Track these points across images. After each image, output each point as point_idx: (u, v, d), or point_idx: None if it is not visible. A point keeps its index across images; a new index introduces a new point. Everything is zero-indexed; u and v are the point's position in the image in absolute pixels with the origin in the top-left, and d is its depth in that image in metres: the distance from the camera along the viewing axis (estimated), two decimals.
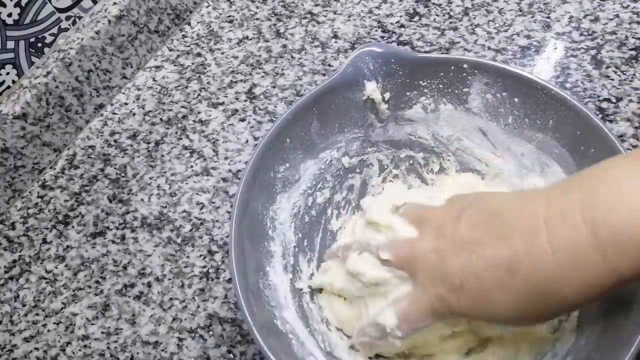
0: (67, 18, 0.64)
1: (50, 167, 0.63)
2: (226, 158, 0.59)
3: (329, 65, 0.64)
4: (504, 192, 0.39)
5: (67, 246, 0.57)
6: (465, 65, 0.46)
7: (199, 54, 0.69)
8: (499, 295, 0.33)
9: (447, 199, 0.40)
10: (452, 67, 0.47)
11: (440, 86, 0.48)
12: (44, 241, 0.58)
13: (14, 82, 0.61)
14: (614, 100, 0.54)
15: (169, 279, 0.52)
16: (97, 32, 0.63)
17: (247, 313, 0.37)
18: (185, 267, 0.53)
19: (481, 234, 0.34)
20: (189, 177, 0.59)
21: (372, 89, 0.48)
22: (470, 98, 0.47)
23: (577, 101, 0.42)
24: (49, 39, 0.63)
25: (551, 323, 0.41)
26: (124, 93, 0.68)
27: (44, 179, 0.62)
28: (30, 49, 0.61)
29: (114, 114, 0.66)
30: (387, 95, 0.49)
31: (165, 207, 0.57)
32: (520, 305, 0.32)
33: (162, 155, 0.61)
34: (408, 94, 0.49)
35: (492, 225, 0.34)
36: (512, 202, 0.35)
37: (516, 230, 0.32)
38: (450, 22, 0.64)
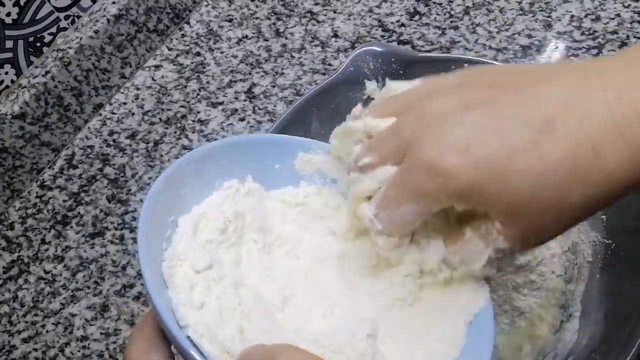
0: (66, 17, 0.64)
1: (49, 167, 0.63)
2: None
3: (329, 64, 0.63)
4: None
5: (66, 246, 0.57)
6: (466, 65, 0.46)
7: (198, 53, 0.69)
8: (523, 154, 0.23)
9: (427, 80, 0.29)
10: (453, 67, 0.46)
11: None
12: (43, 241, 0.58)
13: (12, 81, 0.61)
14: None
15: None
16: (96, 32, 0.63)
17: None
18: None
19: (502, 89, 0.25)
20: None
21: (372, 88, 0.48)
22: None
23: None
24: (47, 39, 0.62)
25: (553, 324, 0.41)
26: (122, 93, 0.68)
27: (43, 179, 0.62)
28: (29, 49, 0.61)
29: (113, 113, 0.66)
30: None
31: None
32: (545, 176, 0.23)
33: (161, 155, 0.61)
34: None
35: (521, 76, 0.25)
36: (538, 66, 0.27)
37: (556, 71, 0.25)
38: (451, 21, 0.64)
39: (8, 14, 0.58)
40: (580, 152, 0.23)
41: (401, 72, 0.48)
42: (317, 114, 0.48)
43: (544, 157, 0.23)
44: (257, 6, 0.72)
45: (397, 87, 0.31)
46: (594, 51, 0.57)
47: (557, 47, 0.59)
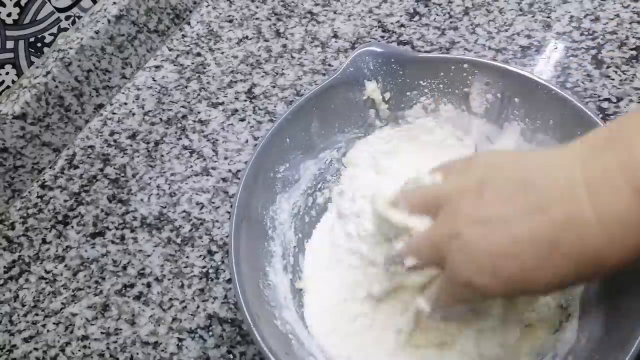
0: (67, 18, 0.64)
1: (50, 167, 0.63)
2: (226, 158, 0.59)
3: (329, 65, 0.64)
4: (526, 153, 0.34)
5: (67, 246, 0.57)
6: (465, 65, 0.46)
7: (198, 54, 0.69)
8: (539, 272, 0.30)
9: (451, 167, 0.36)
10: (453, 67, 0.46)
11: (441, 86, 0.48)
12: (44, 241, 0.58)
13: (13, 82, 0.61)
14: (614, 100, 0.54)
15: (169, 279, 0.52)
16: (97, 32, 0.63)
17: (247, 313, 0.37)
18: (185, 267, 0.53)
19: (512, 208, 0.30)
20: (189, 177, 0.59)
21: (372, 88, 0.48)
22: (470, 98, 0.47)
23: (577, 101, 0.42)
24: (48, 39, 0.63)
25: (552, 322, 0.41)
26: (123, 93, 0.68)
27: (44, 179, 0.62)
28: (30, 49, 0.61)
29: (114, 113, 0.66)
30: (387, 95, 0.49)
31: (165, 207, 0.57)
32: (562, 279, 0.30)
33: (162, 155, 0.61)
34: (408, 93, 0.49)
35: (524, 196, 0.30)
36: (541, 166, 0.31)
37: (553, 199, 0.29)
38: (451, 22, 0.64)
39: (9, 15, 0.58)
40: (581, 261, 0.29)
41: (400, 72, 0.48)
42: (317, 114, 0.48)
43: (557, 271, 0.30)
44: (257, 7, 0.72)
45: (423, 179, 0.37)
46: (594, 51, 0.58)
47: (556, 48, 0.59)
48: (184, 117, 0.64)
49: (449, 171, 0.36)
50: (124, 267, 0.54)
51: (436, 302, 0.36)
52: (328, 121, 0.49)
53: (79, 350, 0.50)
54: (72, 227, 0.58)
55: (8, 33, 0.59)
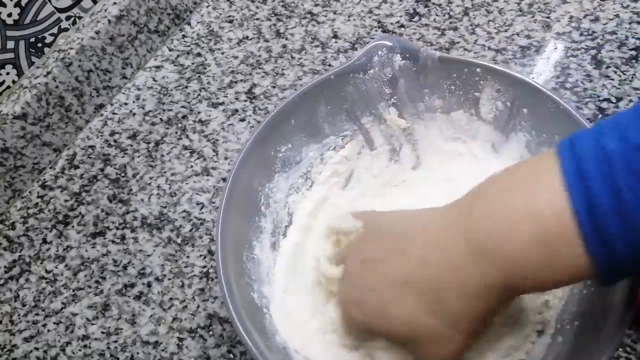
0: (67, 18, 0.64)
1: (50, 167, 0.63)
2: (226, 158, 0.59)
3: (329, 65, 0.64)
4: (414, 210, 0.39)
5: (67, 246, 0.57)
6: (478, 69, 0.45)
7: (199, 54, 0.69)
8: (395, 308, 0.35)
9: (363, 220, 0.41)
10: (465, 70, 0.46)
11: (452, 87, 0.47)
12: (44, 241, 0.58)
13: (14, 82, 0.61)
14: (614, 100, 0.54)
15: (169, 279, 0.52)
16: (97, 32, 0.63)
17: (223, 278, 0.38)
18: (185, 267, 0.53)
19: (382, 253, 0.36)
20: (189, 177, 0.59)
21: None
22: (480, 103, 0.47)
23: (585, 120, 0.41)
24: (49, 39, 0.63)
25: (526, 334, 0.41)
26: (124, 93, 0.68)
27: (44, 179, 0.62)
28: (30, 49, 0.61)
29: (114, 114, 0.66)
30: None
31: (165, 207, 0.57)
32: (414, 317, 0.34)
33: (162, 155, 0.61)
34: (419, 90, 0.48)
35: (392, 242, 0.36)
36: (415, 220, 0.37)
37: (412, 249, 0.35)
38: (450, 22, 0.64)
39: (9, 15, 0.58)
40: (428, 300, 0.33)
41: (414, 69, 0.48)
42: (325, 99, 0.48)
43: (405, 306, 0.34)
44: (257, 7, 0.72)
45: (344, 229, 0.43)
46: (593, 52, 0.58)
47: (556, 48, 0.59)
48: (185, 117, 0.64)
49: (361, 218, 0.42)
50: (125, 267, 0.54)
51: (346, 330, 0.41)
52: (336, 108, 0.49)
53: (80, 350, 0.50)
54: (73, 227, 0.58)
55: (9, 33, 0.59)
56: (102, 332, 0.51)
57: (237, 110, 0.63)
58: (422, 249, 0.34)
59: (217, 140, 0.61)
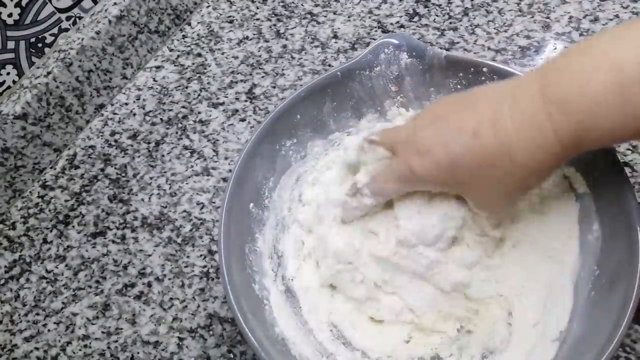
0: (68, 18, 0.64)
1: (51, 167, 0.63)
2: (226, 158, 0.59)
3: (329, 65, 0.64)
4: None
5: (68, 246, 0.57)
6: (484, 69, 0.46)
7: (199, 54, 0.69)
8: (462, 158, 0.35)
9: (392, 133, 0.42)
10: (471, 69, 0.46)
11: (459, 86, 0.47)
12: (45, 241, 0.58)
13: (14, 82, 0.61)
14: None
15: (169, 279, 0.53)
16: (98, 32, 0.63)
17: (225, 267, 0.39)
18: (185, 267, 0.53)
19: (450, 107, 0.37)
20: (189, 177, 0.59)
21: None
22: None
23: None
24: (49, 39, 0.63)
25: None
26: (124, 93, 0.68)
27: (45, 179, 0.63)
28: (31, 49, 0.61)
29: (115, 114, 0.66)
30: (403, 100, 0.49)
31: (166, 207, 0.57)
32: (481, 170, 0.35)
33: (163, 155, 0.61)
34: (425, 88, 0.49)
35: (461, 99, 0.37)
36: (484, 87, 0.37)
37: (483, 100, 0.35)
38: (450, 23, 0.64)
39: (10, 15, 0.58)
40: (497, 152, 0.34)
41: (420, 67, 0.48)
42: (330, 95, 0.48)
43: (475, 155, 0.35)
44: (257, 7, 0.72)
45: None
46: None
47: (555, 48, 0.59)
48: (185, 117, 0.64)
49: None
50: (125, 267, 0.54)
51: (373, 179, 0.41)
52: (342, 104, 0.49)
53: (80, 350, 0.50)
54: (73, 226, 0.58)
55: (9, 33, 0.59)
56: (103, 332, 0.51)
57: (237, 111, 0.63)
58: (495, 103, 0.34)
59: (217, 140, 0.61)
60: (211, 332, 0.49)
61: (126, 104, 0.67)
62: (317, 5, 0.70)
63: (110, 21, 0.64)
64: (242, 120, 0.62)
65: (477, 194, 0.38)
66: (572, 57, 0.32)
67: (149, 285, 0.53)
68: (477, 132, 0.34)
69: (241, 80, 0.65)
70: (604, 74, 0.29)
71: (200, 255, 0.53)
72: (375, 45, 0.48)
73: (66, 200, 0.60)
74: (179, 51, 0.70)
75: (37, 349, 0.51)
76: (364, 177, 0.42)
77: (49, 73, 0.61)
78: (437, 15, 0.65)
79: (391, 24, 0.66)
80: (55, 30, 0.63)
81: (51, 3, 0.62)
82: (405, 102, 0.49)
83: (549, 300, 0.40)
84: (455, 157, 0.35)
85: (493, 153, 0.34)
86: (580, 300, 0.38)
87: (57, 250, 0.57)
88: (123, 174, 0.61)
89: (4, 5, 0.57)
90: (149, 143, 0.63)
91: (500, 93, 0.35)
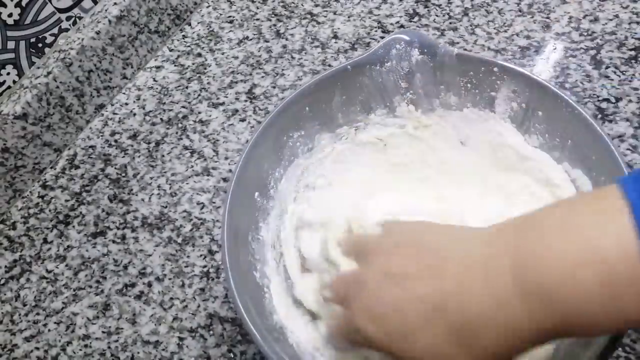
0: (68, 18, 0.64)
1: (51, 167, 0.63)
2: (226, 158, 0.60)
3: (329, 65, 0.64)
4: (446, 225, 0.36)
5: (68, 246, 0.57)
6: (495, 69, 0.45)
7: (199, 54, 0.69)
8: (420, 331, 0.31)
9: (385, 225, 0.39)
10: (482, 68, 0.46)
11: (468, 85, 0.47)
12: (45, 241, 0.58)
13: (14, 82, 0.61)
14: (613, 101, 0.54)
15: (170, 279, 0.53)
16: (98, 33, 0.63)
17: (227, 251, 0.39)
18: (185, 266, 0.53)
19: (414, 268, 0.33)
20: (190, 177, 0.59)
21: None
22: (496, 103, 0.47)
23: (599, 127, 0.40)
24: (49, 39, 0.63)
25: None
26: (124, 93, 0.68)
27: (45, 179, 0.63)
28: (31, 49, 0.61)
29: (115, 114, 0.66)
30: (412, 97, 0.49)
31: (166, 207, 0.57)
32: (439, 347, 0.31)
33: (163, 155, 0.61)
34: (435, 85, 0.48)
35: (426, 258, 0.33)
36: (450, 238, 0.34)
37: (449, 269, 0.32)
38: (450, 23, 0.64)
39: (10, 15, 0.58)
40: (461, 331, 0.30)
41: (431, 64, 0.47)
42: (340, 89, 0.48)
43: (433, 333, 0.31)
44: (257, 7, 0.72)
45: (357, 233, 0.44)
46: (593, 52, 0.58)
47: (555, 48, 0.59)
48: (185, 117, 0.64)
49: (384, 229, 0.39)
50: (125, 267, 0.54)
51: (332, 335, 0.39)
52: (351, 98, 0.49)
53: (80, 350, 0.50)
54: (73, 226, 0.58)
55: (9, 33, 0.59)
56: (103, 332, 0.51)
57: (237, 111, 0.63)
58: (463, 275, 0.31)
59: (217, 140, 0.61)
60: (211, 332, 0.49)
61: (126, 104, 0.67)
62: (317, 5, 0.70)
63: (110, 21, 0.64)
64: (242, 120, 0.62)
65: None
66: (551, 233, 0.29)
67: (149, 285, 0.53)
68: (440, 306, 0.31)
69: (241, 80, 0.65)
70: (591, 267, 0.27)
71: (201, 255, 0.53)
72: (387, 40, 0.48)
73: (66, 200, 0.60)
74: (179, 51, 0.70)
75: (37, 348, 0.51)
76: (324, 330, 0.42)
77: (49, 73, 0.61)
78: (437, 16, 0.65)
79: (391, 24, 0.66)
80: (55, 30, 0.63)
81: (51, 3, 0.62)
82: (415, 99, 0.49)
83: None
84: (410, 329, 0.32)
85: (458, 331, 0.30)
86: None
87: (58, 250, 0.57)
88: (123, 174, 0.61)
89: (4, 5, 0.57)
90: (149, 143, 0.63)
91: (470, 261, 0.31)
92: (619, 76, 0.56)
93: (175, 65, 0.69)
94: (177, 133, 0.63)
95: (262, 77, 0.65)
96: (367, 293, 0.34)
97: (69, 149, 0.64)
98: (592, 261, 0.26)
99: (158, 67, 0.69)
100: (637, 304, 0.26)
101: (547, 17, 0.62)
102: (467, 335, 0.30)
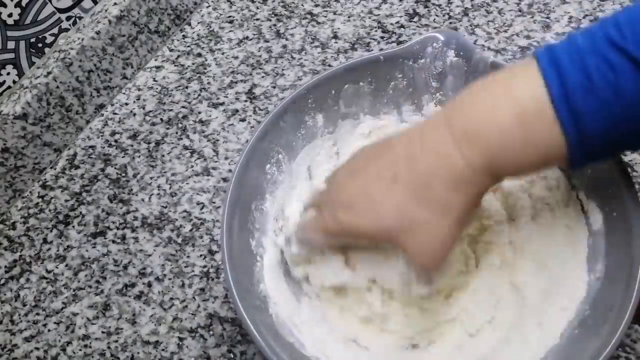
0: (68, 18, 0.64)
1: (51, 167, 0.63)
2: (226, 158, 0.60)
3: (329, 65, 0.64)
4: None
5: (68, 246, 0.57)
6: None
7: (199, 54, 0.69)
8: (385, 203, 0.35)
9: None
10: None
11: None
12: (45, 241, 0.58)
13: (14, 82, 0.61)
14: None
15: (170, 279, 0.53)
16: (98, 33, 0.63)
17: (227, 252, 0.40)
18: (185, 266, 0.53)
19: (367, 158, 0.38)
20: (190, 177, 0.59)
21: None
22: None
23: None
24: (49, 39, 0.63)
25: None
26: (124, 93, 0.68)
27: (45, 179, 0.63)
28: (31, 49, 0.61)
29: (115, 114, 0.66)
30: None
31: (166, 207, 0.57)
32: (403, 210, 0.35)
33: (163, 155, 0.61)
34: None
35: (377, 149, 0.38)
36: (392, 139, 0.38)
37: (397, 144, 0.37)
38: (450, 23, 0.64)
39: (10, 15, 0.58)
40: (417, 191, 0.35)
41: (465, 68, 0.47)
42: (369, 79, 0.48)
43: (395, 199, 0.35)
44: (257, 7, 0.72)
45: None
46: None
47: None
48: (185, 117, 0.64)
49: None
50: (125, 267, 0.54)
51: (301, 229, 0.42)
52: (379, 89, 0.49)
53: (80, 350, 0.50)
54: (73, 226, 0.58)
55: (9, 33, 0.59)
56: (103, 332, 0.51)
57: (237, 111, 0.63)
58: (408, 145, 0.36)
59: (217, 140, 0.61)
60: (211, 332, 0.49)
61: (126, 104, 0.67)
62: (317, 6, 0.70)
63: (110, 21, 0.64)
64: (242, 120, 0.62)
65: (409, 241, 0.36)
66: (475, 94, 0.34)
67: (149, 285, 0.53)
68: (395, 175, 0.35)
69: (241, 81, 0.65)
70: (506, 108, 0.32)
71: (201, 255, 0.53)
72: (423, 37, 0.47)
73: (66, 200, 0.60)
74: (179, 51, 0.70)
75: (37, 349, 0.51)
76: (293, 227, 0.43)
77: (49, 73, 0.61)
78: (437, 16, 0.65)
79: (391, 24, 0.66)
80: (55, 30, 0.63)
81: (51, 3, 0.62)
82: (444, 100, 0.49)
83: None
84: (379, 204, 0.36)
85: (414, 191, 0.35)
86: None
87: (57, 250, 0.57)
88: (123, 174, 0.61)
89: (4, 5, 0.57)
90: (149, 143, 0.63)
91: (411, 133, 0.36)
92: None
93: (175, 65, 0.69)
94: (177, 133, 0.63)
95: (262, 77, 0.65)
96: (337, 191, 0.39)
97: (69, 149, 0.64)
98: (507, 103, 0.32)
99: (158, 67, 0.69)
100: (548, 136, 0.31)
101: (547, 17, 0.62)
102: (422, 191, 0.34)
